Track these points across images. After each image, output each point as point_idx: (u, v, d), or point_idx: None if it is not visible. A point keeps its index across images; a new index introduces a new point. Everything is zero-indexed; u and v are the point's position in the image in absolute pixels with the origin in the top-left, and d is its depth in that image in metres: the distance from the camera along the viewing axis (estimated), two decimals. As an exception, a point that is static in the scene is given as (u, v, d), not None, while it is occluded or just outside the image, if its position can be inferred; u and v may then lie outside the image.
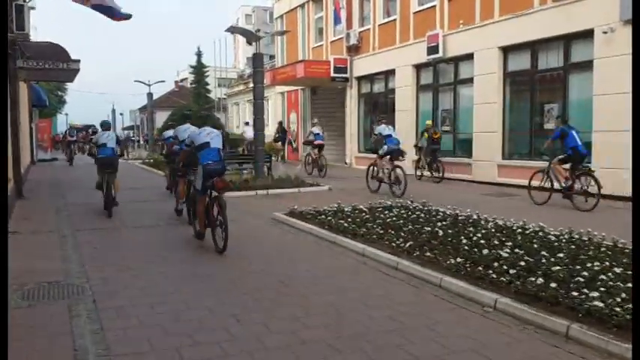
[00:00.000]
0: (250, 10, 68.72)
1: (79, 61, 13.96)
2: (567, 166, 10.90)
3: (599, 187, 10.18)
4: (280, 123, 26.25)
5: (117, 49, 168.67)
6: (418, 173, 16.23)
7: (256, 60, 15.43)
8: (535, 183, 11.39)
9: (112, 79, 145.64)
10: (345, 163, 22.51)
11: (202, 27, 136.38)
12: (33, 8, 17.14)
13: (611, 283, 4.89)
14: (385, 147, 12.91)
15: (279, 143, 25.17)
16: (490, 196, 12.78)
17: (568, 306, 4.50)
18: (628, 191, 10.10)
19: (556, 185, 11.00)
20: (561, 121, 11.33)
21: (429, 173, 15.97)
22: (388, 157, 12.87)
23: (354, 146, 22.27)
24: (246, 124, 26.07)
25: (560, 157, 10.93)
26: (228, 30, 19.08)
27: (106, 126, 10.83)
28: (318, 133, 18.60)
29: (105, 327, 4.42)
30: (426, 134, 16.21)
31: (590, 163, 11.59)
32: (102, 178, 10.32)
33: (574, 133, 10.78)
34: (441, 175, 15.52)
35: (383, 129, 13.27)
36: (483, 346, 4.08)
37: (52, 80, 28.49)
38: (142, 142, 47.72)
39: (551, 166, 11.05)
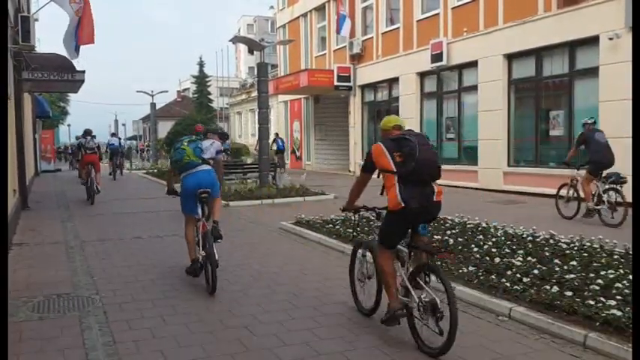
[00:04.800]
0: (252, 20, 69.13)
1: (83, 72, 13.93)
2: None
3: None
4: (276, 134, 25.84)
5: (118, 60, 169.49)
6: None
7: (261, 69, 15.44)
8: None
9: (113, 89, 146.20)
10: (349, 172, 22.47)
11: (204, 37, 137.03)
12: (36, 20, 17.18)
13: (627, 291, 4.83)
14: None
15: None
16: (496, 203, 12.73)
17: (585, 315, 4.44)
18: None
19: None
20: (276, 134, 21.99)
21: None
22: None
23: (357, 155, 22.24)
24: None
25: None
26: (232, 40, 19.13)
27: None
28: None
29: (117, 339, 4.37)
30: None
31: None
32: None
33: (280, 142, 22.80)
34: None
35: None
36: (502, 357, 4.02)
37: (57, 91, 28.53)
38: (137, 152, 46.70)
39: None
